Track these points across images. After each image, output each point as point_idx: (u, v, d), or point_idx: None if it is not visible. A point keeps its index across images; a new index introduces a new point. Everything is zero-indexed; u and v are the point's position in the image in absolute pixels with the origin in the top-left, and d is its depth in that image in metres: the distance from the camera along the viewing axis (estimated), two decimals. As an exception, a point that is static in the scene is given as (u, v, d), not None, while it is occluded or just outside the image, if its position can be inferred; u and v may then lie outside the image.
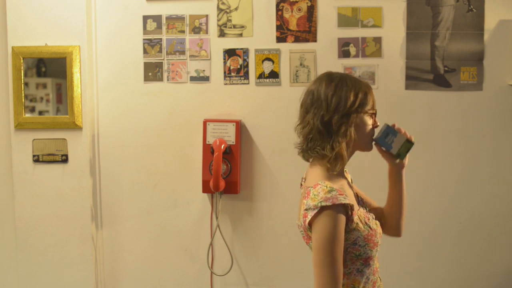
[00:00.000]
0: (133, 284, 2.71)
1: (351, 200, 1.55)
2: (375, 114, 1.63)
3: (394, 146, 1.63)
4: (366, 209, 1.70)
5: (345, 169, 1.74)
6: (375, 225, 1.63)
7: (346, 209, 1.51)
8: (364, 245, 1.56)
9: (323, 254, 1.47)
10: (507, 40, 2.56)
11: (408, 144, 1.62)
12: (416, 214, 2.63)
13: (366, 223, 1.58)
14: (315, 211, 1.48)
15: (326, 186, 1.52)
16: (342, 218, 1.49)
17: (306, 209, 1.52)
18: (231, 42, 2.61)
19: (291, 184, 2.49)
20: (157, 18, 2.63)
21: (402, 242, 2.62)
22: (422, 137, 2.60)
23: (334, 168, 1.58)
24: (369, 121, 1.62)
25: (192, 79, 2.64)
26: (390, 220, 1.76)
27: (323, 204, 1.47)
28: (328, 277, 1.46)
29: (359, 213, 1.58)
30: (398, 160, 1.66)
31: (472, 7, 2.56)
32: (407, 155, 1.65)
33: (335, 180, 1.59)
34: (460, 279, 2.65)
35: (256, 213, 2.65)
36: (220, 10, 2.61)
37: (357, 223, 1.55)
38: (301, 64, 2.60)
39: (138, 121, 2.66)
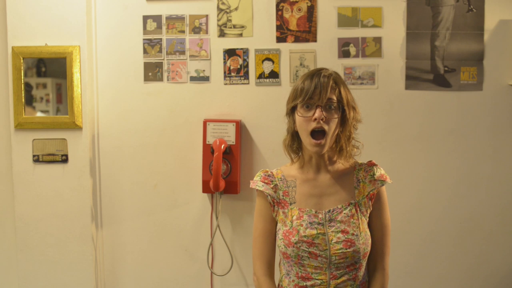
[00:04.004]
0: (133, 284, 2.72)
1: (269, 192, 1.68)
2: (308, 104, 1.60)
3: None
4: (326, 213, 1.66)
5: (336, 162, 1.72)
6: (312, 235, 1.61)
7: (264, 195, 1.68)
8: (281, 238, 1.65)
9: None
10: (507, 40, 2.56)
11: None
12: (416, 214, 2.63)
13: (292, 220, 1.63)
14: None
15: (260, 172, 1.74)
16: (262, 200, 1.69)
17: None
18: (231, 42, 2.61)
19: (291, 184, 2.49)
20: (157, 18, 2.63)
21: (401, 242, 2.63)
22: (422, 137, 2.60)
23: (291, 159, 1.73)
24: (303, 113, 1.60)
25: (192, 79, 2.64)
26: None
27: (251, 185, 1.72)
28: (253, 248, 1.70)
29: (292, 210, 1.64)
30: None
31: (472, 7, 2.56)
32: None
33: (287, 169, 1.73)
34: (460, 279, 2.65)
35: (256, 213, 2.65)
36: (220, 10, 2.61)
37: (279, 215, 1.66)
38: (301, 64, 2.60)
39: (138, 121, 2.66)
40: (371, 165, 1.71)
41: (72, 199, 2.59)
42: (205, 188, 2.58)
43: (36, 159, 2.57)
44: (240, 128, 2.60)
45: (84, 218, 2.60)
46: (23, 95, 2.55)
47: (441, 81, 2.59)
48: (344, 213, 1.63)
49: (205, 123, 2.58)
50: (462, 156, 2.61)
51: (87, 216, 2.60)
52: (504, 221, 2.62)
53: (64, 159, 2.58)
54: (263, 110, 2.62)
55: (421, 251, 2.65)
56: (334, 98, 1.61)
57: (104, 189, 2.68)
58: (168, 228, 2.69)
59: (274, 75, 2.61)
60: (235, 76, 2.62)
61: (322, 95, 1.59)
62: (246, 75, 2.62)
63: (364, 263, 1.66)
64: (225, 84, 2.63)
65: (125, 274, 2.71)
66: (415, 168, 2.62)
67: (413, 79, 2.59)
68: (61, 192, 2.58)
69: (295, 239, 1.61)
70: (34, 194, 2.58)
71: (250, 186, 1.74)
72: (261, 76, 2.62)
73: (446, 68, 2.58)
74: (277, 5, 2.59)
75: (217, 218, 2.62)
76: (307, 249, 1.60)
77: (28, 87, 2.57)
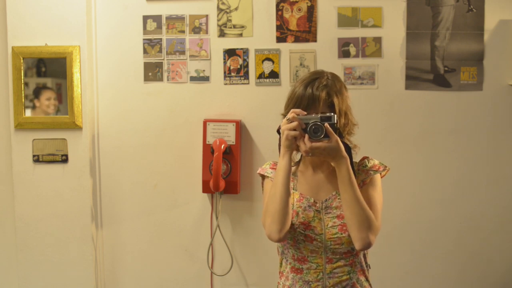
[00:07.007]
0: (133, 284, 2.72)
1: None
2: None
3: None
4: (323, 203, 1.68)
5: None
6: (309, 217, 1.65)
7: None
8: None
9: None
10: (507, 40, 2.56)
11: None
12: (416, 214, 2.63)
13: (293, 203, 1.67)
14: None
15: (269, 161, 1.80)
16: (270, 184, 1.70)
17: None
18: (231, 42, 2.61)
19: (291, 184, 2.49)
20: (157, 18, 2.63)
21: (401, 241, 2.63)
22: (422, 137, 2.60)
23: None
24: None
25: (192, 79, 2.64)
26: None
27: (258, 171, 1.79)
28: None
29: (294, 193, 1.69)
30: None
31: (472, 7, 2.56)
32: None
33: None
34: (459, 278, 2.65)
35: (256, 213, 2.65)
36: (220, 10, 2.61)
37: None
38: (301, 64, 2.60)
39: (138, 121, 2.66)
40: (363, 159, 1.75)
41: (72, 199, 2.59)
42: (205, 188, 2.58)
43: (36, 159, 2.57)
44: (240, 128, 2.60)
45: (84, 218, 2.60)
46: (23, 95, 2.55)
47: (441, 81, 2.59)
48: (339, 199, 1.66)
49: (205, 123, 2.58)
50: (462, 156, 2.61)
51: (87, 216, 2.60)
52: (504, 221, 2.62)
53: (64, 159, 2.58)
54: (263, 110, 2.62)
55: (421, 251, 2.65)
56: (327, 111, 1.62)
57: (104, 189, 2.68)
58: (168, 228, 2.69)
59: (274, 75, 2.61)
60: (235, 76, 2.62)
61: (316, 110, 1.61)
62: (246, 75, 2.62)
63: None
64: (225, 84, 2.63)
65: (125, 274, 2.71)
66: (415, 168, 2.62)
67: (413, 79, 2.59)
68: (61, 192, 2.58)
69: (293, 221, 1.65)
70: (34, 194, 2.58)
71: (258, 172, 1.78)
72: (261, 76, 2.62)
73: (446, 68, 2.58)
74: (277, 5, 2.59)
75: (217, 218, 2.62)
76: (303, 232, 1.64)
77: (26, 86, 2.57)
